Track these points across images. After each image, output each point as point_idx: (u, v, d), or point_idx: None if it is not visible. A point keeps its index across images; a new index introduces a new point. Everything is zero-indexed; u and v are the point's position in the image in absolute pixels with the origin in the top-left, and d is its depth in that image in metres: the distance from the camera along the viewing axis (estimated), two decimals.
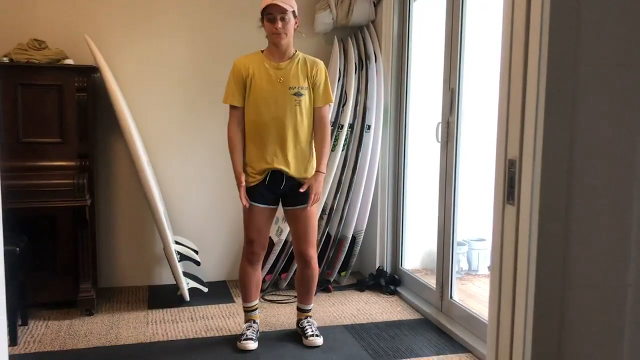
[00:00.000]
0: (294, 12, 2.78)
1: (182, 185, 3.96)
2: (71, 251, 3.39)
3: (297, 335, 3.16)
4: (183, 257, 3.64)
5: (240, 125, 2.88)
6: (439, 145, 3.41)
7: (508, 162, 1.65)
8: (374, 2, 3.95)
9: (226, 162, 4.01)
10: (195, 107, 3.94)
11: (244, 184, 2.89)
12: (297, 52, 2.90)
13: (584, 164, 1.51)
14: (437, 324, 3.32)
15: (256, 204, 2.91)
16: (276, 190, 2.89)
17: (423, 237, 4.09)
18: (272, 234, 3.90)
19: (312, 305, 3.18)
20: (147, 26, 3.79)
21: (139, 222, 3.91)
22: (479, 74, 3.55)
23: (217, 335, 3.19)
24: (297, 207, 2.90)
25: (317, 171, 2.87)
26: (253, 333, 3.02)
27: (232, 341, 3.09)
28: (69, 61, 3.40)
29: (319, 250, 3.86)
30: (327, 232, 3.90)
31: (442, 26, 3.35)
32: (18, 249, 2.97)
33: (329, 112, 2.95)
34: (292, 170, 2.85)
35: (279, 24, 2.75)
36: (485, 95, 3.42)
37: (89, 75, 3.41)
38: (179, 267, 3.55)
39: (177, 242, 3.69)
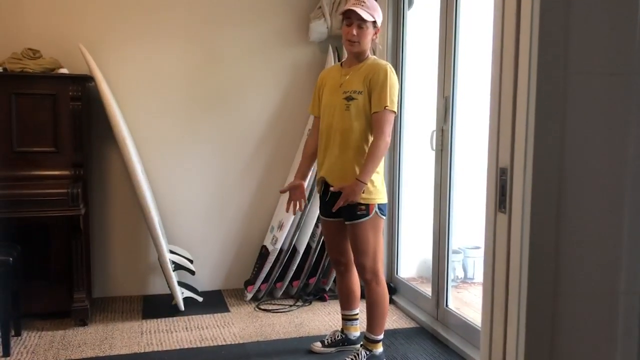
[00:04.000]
0: (374, 22, 2.68)
1: (177, 194, 3.96)
2: (65, 261, 3.38)
3: (293, 345, 3.15)
4: (178, 267, 3.63)
5: (316, 135, 2.88)
6: (433, 153, 3.41)
7: (499, 170, 1.66)
8: None
9: (221, 172, 4.03)
10: (190, 116, 3.94)
11: (284, 187, 2.99)
12: (371, 57, 2.77)
13: (574, 172, 1.51)
14: (433, 333, 3.31)
15: (322, 217, 2.90)
16: (327, 202, 2.76)
17: (418, 245, 4.08)
18: (267, 242, 3.90)
19: (375, 336, 2.85)
20: (141, 35, 3.79)
21: (133, 232, 3.90)
22: (473, 82, 3.56)
23: (212, 345, 3.17)
24: (346, 220, 2.73)
25: (356, 178, 2.63)
26: (326, 338, 3.07)
27: (227, 350, 3.07)
28: (64, 70, 3.40)
29: (314, 258, 3.86)
30: (323, 240, 3.89)
31: (436, 34, 3.36)
32: (11, 258, 2.95)
33: (389, 120, 2.63)
34: (334, 179, 2.72)
35: (354, 31, 2.66)
36: (480, 103, 3.43)
37: (84, 84, 3.41)
38: (174, 277, 3.54)
39: (171, 252, 3.68)
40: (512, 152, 1.59)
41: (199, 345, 3.15)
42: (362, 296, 2.95)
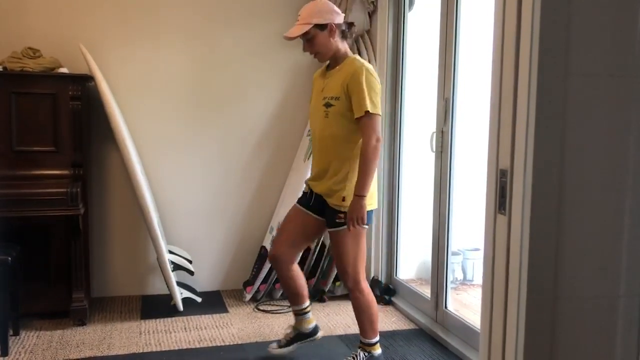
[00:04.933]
0: (318, 25, 2.54)
1: (176, 195, 3.95)
2: (64, 260, 3.37)
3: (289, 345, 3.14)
4: (177, 267, 3.62)
5: None
6: (433, 154, 3.41)
7: (499, 172, 1.65)
8: (368, 12, 3.96)
9: (220, 172, 4.02)
10: (189, 116, 3.94)
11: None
12: (350, 57, 2.62)
13: (575, 174, 1.51)
14: (432, 334, 3.31)
15: (297, 205, 2.79)
16: (309, 203, 2.73)
17: (418, 246, 4.08)
18: (266, 243, 3.89)
19: (368, 339, 2.79)
20: (142, 35, 3.79)
21: (132, 232, 3.89)
22: (474, 83, 3.56)
23: (210, 345, 3.16)
24: (328, 227, 2.68)
25: (354, 194, 2.53)
26: (281, 339, 3.01)
27: (226, 351, 3.07)
28: (64, 70, 3.40)
29: (313, 259, 3.86)
30: (322, 241, 3.89)
31: (437, 36, 3.36)
32: (10, 258, 2.95)
33: (372, 123, 2.49)
34: (318, 187, 2.67)
35: (305, 47, 2.62)
36: (480, 105, 3.43)
37: (84, 84, 3.41)
38: (173, 277, 3.53)
39: (170, 252, 3.67)
40: (512, 154, 1.59)
41: (198, 346, 3.14)
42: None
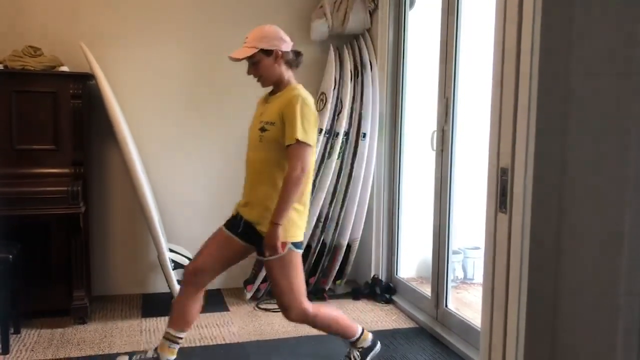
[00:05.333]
0: (264, 50, 2.52)
1: (177, 193, 3.95)
2: (64, 259, 3.37)
3: (292, 344, 3.14)
4: (177, 265, 3.62)
5: None
6: (434, 153, 3.41)
7: (500, 170, 1.65)
8: (369, 11, 3.96)
9: (221, 170, 4.02)
10: (190, 115, 3.94)
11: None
12: (291, 85, 2.60)
13: (576, 172, 1.51)
14: (433, 333, 3.31)
15: (223, 228, 2.69)
16: (237, 229, 2.64)
17: (418, 245, 4.08)
18: None
19: (351, 339, 2.76)
20: (142, 34, 3.79)
21: (133, 230, 3.90)
22: (474, 82, 3.56)
23: (211, 344, 3.17)
24: (259, 255, 2.60)
25: (270, 221, 2.46)
26: (137, 353, 2.81)
27: (226, 349, 3.07)
28: (64, 68, 3.40)
29: (314, 258, 3.86)
30: (322, 240, 3.89)
31: (438, 35, 3.36)
32: (11, 256, 2.95)
33: (299, 153, 2.43)
34: (248, 214, 2.60)
35: (250, 70, 2.60)
36: (480, 103, 3.43)
37: (84, 82, 3.41)
38: (173, 276, 3.53)
39: (171, 250, 3.67)
40: (513, 152, 1.59)
41: (198, 344, 3.15)
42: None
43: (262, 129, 2.54)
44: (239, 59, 2.56)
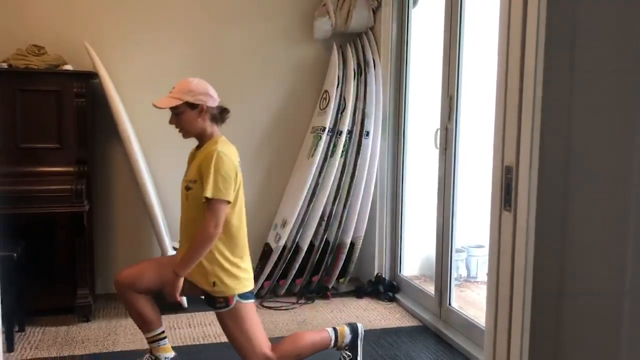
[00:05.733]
0: (189, 103, 2.51)
1: (180, 191, 3.95)
2: (69, 257, 3.38)
3: None
4: None
5: None
6: (437, 151, 3.41)
7: (505, 168, 1.65)
8: (372, 9, 3.96)
9: None
10: None
11: None
12: (212, 139, 2.58)
13: (580, 171, 1.51)
14: (436, 331, 3.31)
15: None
16: None
17: (422, 243, 4.09)
18: (270, 240, 3.90)
19: (333, 346, 2.71)
20: (146, 32, 3.80)
21: (136, 228, 3.90)
22: (478, 80, 3.56)
23: (215, 342, 3.17)
24: (209, 307, 2.58)
25: (172, 270, 2.46)
26: None
27: (230, 347, 3.07)
28: (68, 67, 3.41)
29: (317, 256, 3.86)
30: (326, 238, 3.89)
31: (441, 33, 3.36)
32: (15, 254, 2.96)
33: (213, 209, 2.40)
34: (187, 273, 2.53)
35: (172, 120, 2.58)
36: (484, 101, 3.43)
37: (88, 81, 3.42)
38: None
39: (175, 249, 3.68)
40: (518, 150, 1.59)
41: (202, 342, 3.15)
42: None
43: (187, 188, 2.55)
44: (162, 108, 2.56)
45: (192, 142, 3.76)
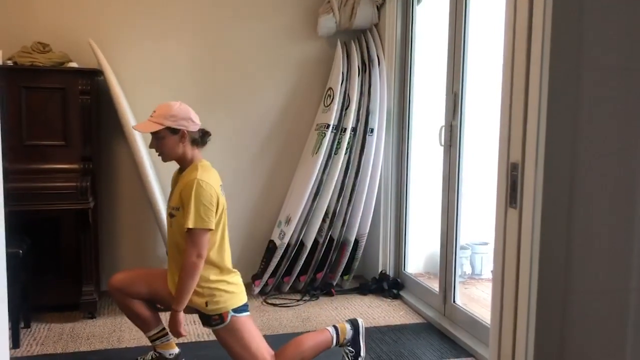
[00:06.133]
0: (170, 128, 2.51)
1: None
2: (74, 254, 3.39)
3: None
4: None
5: None
6: (442, 148, 3.40)
7: (510, 165, 1.65)
8: (377, 6, 3.95)
9: (228, 166, 4.03)
10: (198, 110, 3.93)
11: None
12: (193, 165, 2.59)
13: (586, 168, 1.50)
14: (440, 328, 3.31)
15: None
16: None
17: (426, 241, 4.08)
18: (275, 237, 3.90)
19: (335, 344, 2.72)
20: (150, 29, 3.80)
21: (141, 225, 3.91)
22: (483, 77, 3.55)
23: None
24: (204, 325, 2.62)
25: (172, 308, 2.51)
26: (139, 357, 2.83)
27: None
28: (73, 64, 3.41)
29: (321, 253, 3.87)
30: (330, 235, 3.90)
31: (446, 30, 3.35)
32: (21, 251, 2.97)
33: (194, 239, 2.43)
34: (170, 286, 2.60)
35: (152, 143, 2.58)
36: (489, 98, 3.42)
37: (93, 78, 3.42)
38: None
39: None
40: (524, 147, 1.59)
41: (207, 339, 3.16)
42: (162, 310, 2.73)
43: (171, 215, 2.58)
44: (144, 132, 2.57)
45: None
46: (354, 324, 2.76)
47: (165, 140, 2.55)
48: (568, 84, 1.47)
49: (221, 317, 2.55)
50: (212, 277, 2.55)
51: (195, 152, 2.63)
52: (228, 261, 2.64)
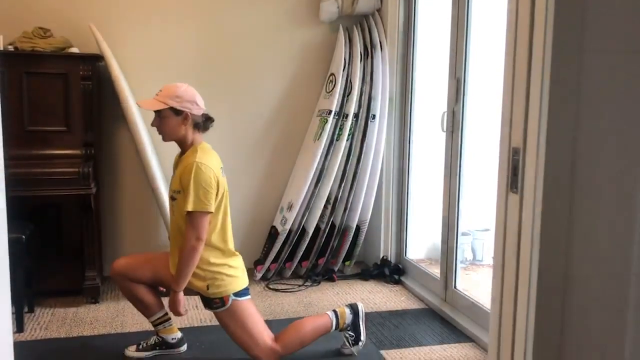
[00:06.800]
0: (173, 109, 2.51)
1: None
2: (77, 239, 3.41)
3: None
4: None
5: None
6: (444, 134, 3.40)
7: (512, 150, 1.64)
8: None
9: (230, 152, 4.03)
10: (200, 95, 3.93)
11: None
12: (193, 148, 2.59)
13: (588, 152, 1.50)
14: (441, 314, 3.32)
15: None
16: None
17: (427, 227, 4.09)
18: (276, 223, 3.91)
19: (334, 328, 2.74)
20: (152, 14, 3.78)
21: (144, 211, 3.92)
22: (485, 62, 3.53)
23: None
24: (206, 308, 2.66)
25: (171, 289, 2.55)
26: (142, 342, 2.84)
27: None
28: (74, 50, 3.40)
29: (323, 239, 3.88)
30: (332, 221, 3.90)
31: (448, 15, 3.33)
32: (24, 236, 2.99)
33: (195, 222, 2.45)
34: (171, 267, 2.62)
35: (155, 121, 2.58)
36: (491, 84, 3.40)
37: (94, 63, 3.41)
38: None
39: None
40: (525, 132, 1.58)
41: (209, 324, 3.18)
42: (164, 294, 2.75)
43: (172, 198, 2.59)
44: (147, 109, 2.57)
45: None
46: (353, 308, 2.78)
47: (168, 120, 2.55)
48: (570, 67, 1.46)
49: (222, 301, 2.58)
50: (213, 259, 2.57)
51: (196, 136, 2.63)
52: (230, 244, 2.65)
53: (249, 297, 2.66)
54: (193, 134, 2.61)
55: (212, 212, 2.51)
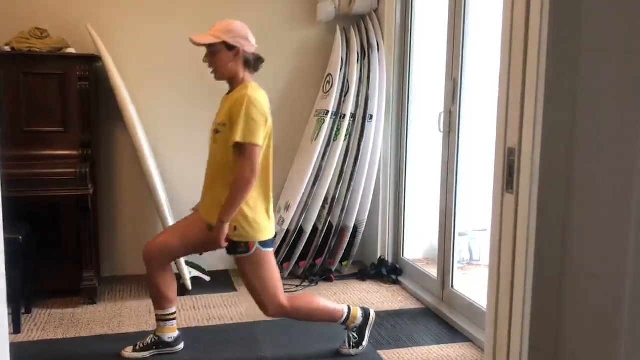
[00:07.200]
0: (226, 43, 2.50)
1: (184, 174, 3.96)
2: (74, 240, 3.41)
3: (300, 325, 3.17)
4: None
5: None
6: (441, 134, 3.40)
7: (507, 150, 1.65)
8: None
9: None
10: (199, 97, 3.93)
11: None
12: (245, 84, 2.57)
13: (583, 152, 1.50)
14: (438, 313, 3.33)
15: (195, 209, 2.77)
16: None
17: (425, 227, 4.09)
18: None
19: (338, 322, 2.78)
20: (149, 14, 3.78)
21: (141, 211, 3.92)
22: (482, 63, 3.53)
23: (219, 323, 3.20)
24: (228, 252, 2.60)
25: (218, 219, 2.48)
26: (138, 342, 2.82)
27: (234, 329, 3.10)
28: (71, 50, 3.40)
29: (321, 239, 3.88)
30: (329, 221, 3.91)
31: (445, 15, 3.33)
32: (21, 237, 2.98)
33: (244, 153, 2.42)
34: (209, 217, 2.56)
35: (207, 58, 2.57)
36: (488, 85, 3.41)
37: (91, 64, 3.41)
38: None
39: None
40: (521, 132, 1.59)
41: (206, 324, 3.18)
42: (180, 293, 2.73)
43: (216, 131, 2.56)
44: (199, 44, 2.54)
45: (199, 121, 3.76)
46: (366, 313, 2.81)
47: (220, 55, 2.53)
48: (566, 68, 1.46)
49: (247, 246, 2.53)
50: (246, 204, 2.50)
51: (246, 75, 2.61)
52: (268, 191, 2.59)
53: (272, 249, 2.63)
54: (244, 71, 2.59)
55: (261, 146, 2.47)
